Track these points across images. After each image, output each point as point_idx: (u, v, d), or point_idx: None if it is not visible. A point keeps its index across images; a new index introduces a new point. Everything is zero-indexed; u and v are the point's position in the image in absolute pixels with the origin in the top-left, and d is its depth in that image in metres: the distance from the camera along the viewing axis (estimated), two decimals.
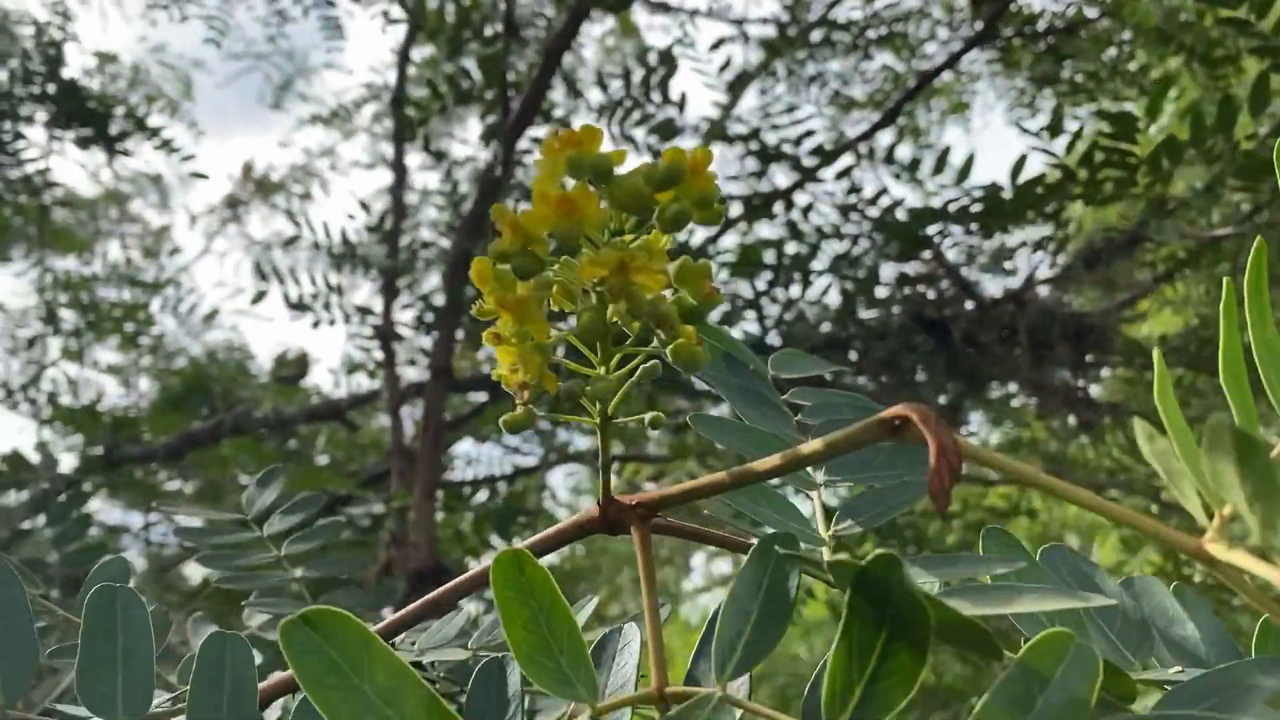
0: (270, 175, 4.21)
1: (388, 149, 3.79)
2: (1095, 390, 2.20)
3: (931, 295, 1.83)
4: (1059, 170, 1.53)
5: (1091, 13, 2.97)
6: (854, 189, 1.96)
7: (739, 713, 0.31)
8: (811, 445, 0.31)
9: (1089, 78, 3.10)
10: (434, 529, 1.72)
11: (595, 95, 2.09)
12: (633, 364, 0.35)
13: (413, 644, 0.49)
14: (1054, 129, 1.51)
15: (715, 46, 2.39)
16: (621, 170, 0.30)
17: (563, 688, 0.32)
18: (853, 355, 1.90)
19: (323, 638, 0.30)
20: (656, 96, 1.72)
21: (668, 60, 1.80)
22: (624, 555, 4.15)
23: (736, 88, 2.32)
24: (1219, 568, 0.24)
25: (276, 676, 0.43)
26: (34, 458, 1.58)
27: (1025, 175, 2.06)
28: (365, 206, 2.13)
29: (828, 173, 1.99)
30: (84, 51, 3.37)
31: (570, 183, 0.30)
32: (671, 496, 0.37)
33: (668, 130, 1.72)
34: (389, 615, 0.51)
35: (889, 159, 2.03)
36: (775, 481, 0.49)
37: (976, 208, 1.72)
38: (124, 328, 2.69)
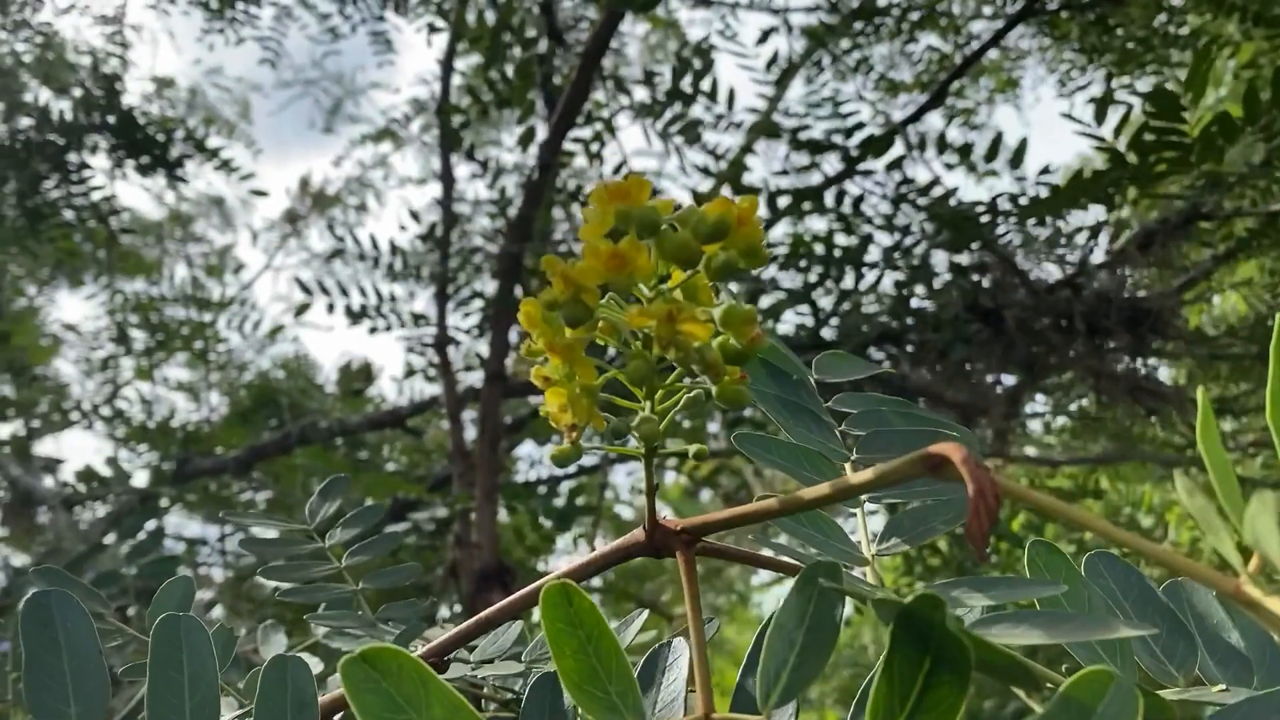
0: (326, 189, 4.29)
1: (438, 161, 3.85)
2: (1162, 373, 2.15)
3: (985, 284, 1.80)
4: (1109, 154, 1.50)
5: None
6: (906, 180, 1.94)
7: None
8: (860, 476, 0.31)
9: (1140, 44, 3.03)
10: (496, 529, 1.75)
11: (640, 93, 2.10)
12: (676, 398, 0.35)
13: (470, 655, 0.50)
14: (1104, 103, 1.47)
15: (762, 40, 2.38)
16: (668, 214, 0.31)
17: (612, 715, 0.33)
18: (908, 347, 1.89)
19: (381, 674, 0.31)
20: (693, 92, 1.72)
21: (702, 54, 1.80)
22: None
23: (783, 80, 2.31)
24: (1257, 610, 0.24)
25: (338, 691, 0.44)
26: (105, 472, 1.64)
27: (1074, 160, 2.04)
28: (415, 216, 2.16)
29: (878, 164, 1.97)
30: (141, 77, 3.48)
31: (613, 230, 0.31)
32: (717, 522, 0.38)
33: (691, 132, 1.72)
34: (439, 630, 0.52)
35: (941, 147, 2.00)
36: None
37: (1026, 200, 1.69)
38: (192, 345, 2.77)
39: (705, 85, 1.83)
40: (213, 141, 2.64)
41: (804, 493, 0.34)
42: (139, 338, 2.72)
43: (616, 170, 2.08)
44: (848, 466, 0.45)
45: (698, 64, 1.77)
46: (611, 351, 0.36)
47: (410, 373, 2.33)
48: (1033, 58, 3.50)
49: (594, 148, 1.99)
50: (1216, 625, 0.42)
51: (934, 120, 3.58)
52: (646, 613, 0.54)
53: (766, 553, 0.42)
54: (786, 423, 0.44)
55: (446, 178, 1.99)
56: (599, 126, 1.97)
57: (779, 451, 0.43)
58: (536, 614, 0.36)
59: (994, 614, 0.33)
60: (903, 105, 3.12)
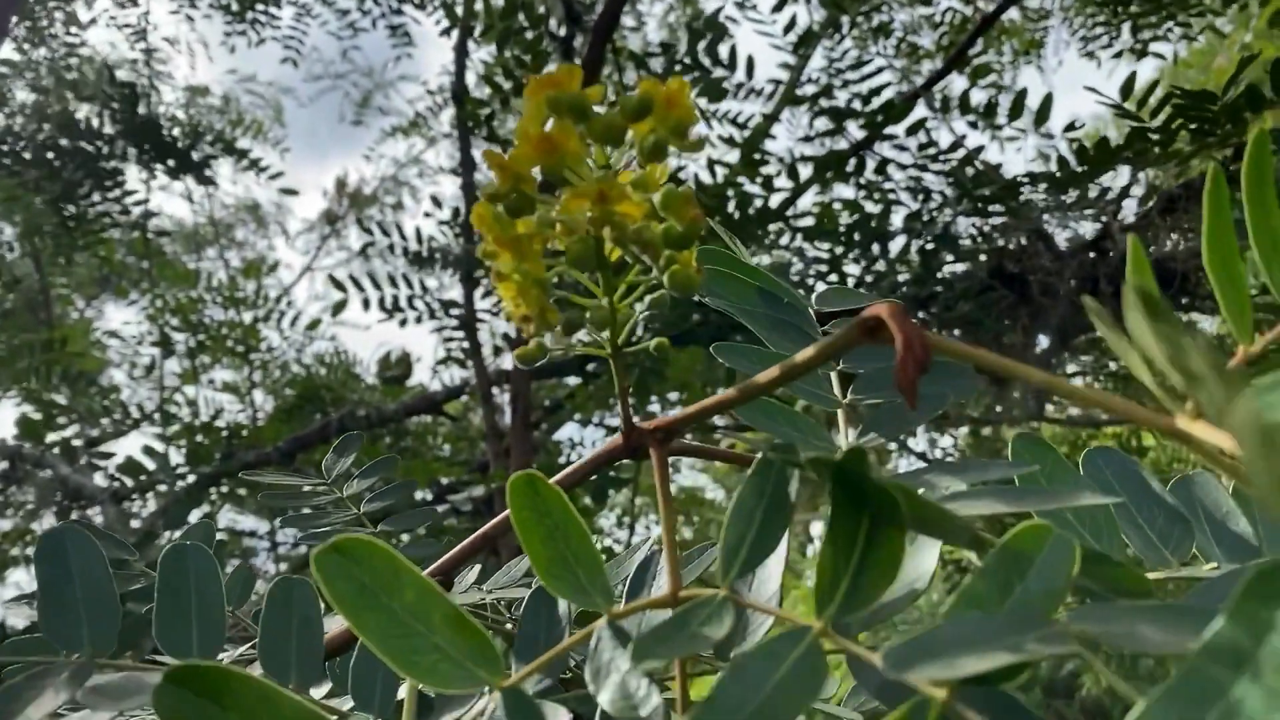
0: (363, 189, 4.36)
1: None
2: (1206, 326, 2.11)
3: (1011, 247, 1.78)
4: (1133, 122, 1.48)
5: None
6: (930, 143, 1.92)
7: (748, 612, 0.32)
8: (804, 352, 0.32)
9: None
10: None
11: (655, 65, 2.10)
12: (636, 294, 0.36)
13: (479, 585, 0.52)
14: (1129, 84, 1.45)
15: (778, 8, 2.37)
16: (597, 100, 0.32)
17: (581, 596, 0.34)
18: (934, 310, 1.88)
19: (353, 562, 0.32)
20: (708, 61, 1.72)
21: (714, 26, 1.80)
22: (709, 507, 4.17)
23: (802, 47, 2.29)
24: (1192, 443, 0.25)
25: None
26: (149, 464, 1.67)
27: (1099, 118, 2.02)
28: (438, 202, 2.19)
29: (900, 128, 1.96)
30: (176, 87, 3.55)
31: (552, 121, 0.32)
32: (687, 416, 0.39)
33: (715, 90, 1.72)
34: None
35: (964, 108, 1.98)
36: (802, 404, 0.50)
37: (1057, 169, 1.67)
38: (235, 347, 2.83)
39: (724, 54, 1.83)
40: (242, 144, 2.70)
41: (758, 377, 0.34)
42: (181, 340, 2.79)
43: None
44: (833, 376, 0.46)
45: (709, 35, 1.77)
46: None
47: (446, 359, 2.36)
48: (1055, 18, 3.45)
49: None
50: (1225, 515, 0.42)
51: (958, 84, 3.53)
52: (652, 538, 0.55)
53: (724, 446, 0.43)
54: (770, 336, 0.45)
55: (467, 162, 2.01)
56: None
57: (754, 357, 0.44)
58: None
59: (960, 492, 0.34)
60: (925, 71, 3.09)
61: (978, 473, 0.37)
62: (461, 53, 1.97)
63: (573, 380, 2.52)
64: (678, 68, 1.79)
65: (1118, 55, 3.20)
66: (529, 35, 1.83)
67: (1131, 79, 1.49)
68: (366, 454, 2.65)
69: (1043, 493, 0.34)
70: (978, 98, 2.13)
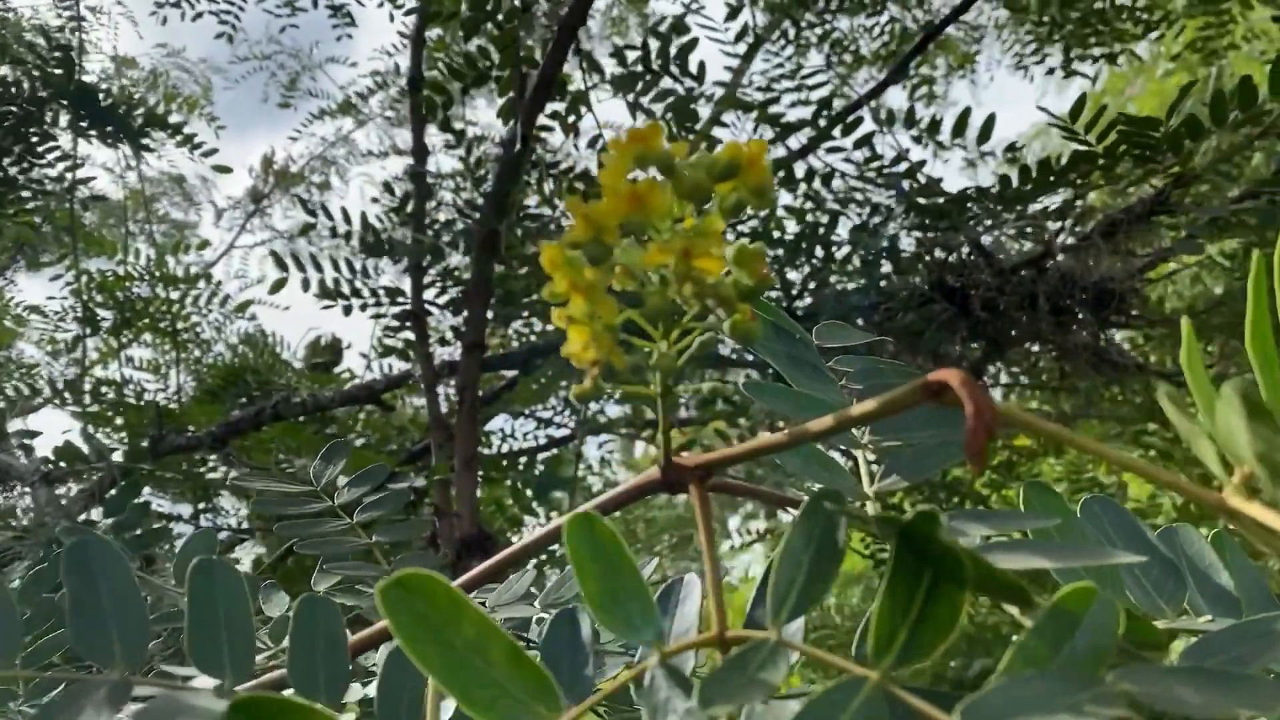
0: (290, 167, 4.26)
1: (401, 135, 3.84)
2: (1124, 347, 2.20)
3: (952, 261, 1.84)
4: (1076, 142, 1.54)
5: None
6: (874, 156, 1.97)
7: (794, 655, 0.34)
8: (863, 407, 0.34)
9: (1096, 17, 3.09)
10: (476, 499, 1.77)
11: (610, 66, 2.11)
12: (690, 338, 0.37)
13: (482, 603, 0.53)
14: (1079, 106, 1.51)
15: (731, 15, 2.39)
16: (682, 157, 0.33)
17: (632, 633, 0.35)
18: (875, 319, 1.93)
19: (416, 597, 0.33)
20: (675, 69, 1.74)
21: (681, 29, 1.81)
22: (661, 522, 4.20)
23: (748, 53, 2.31)
24: (1239, 519, 0.26)
25: (360, 634, 0.47)
26: (84, 448, 1.63)
27: (1030, 134, 2.09)
28: (390, 189, 2.16)
29: (847, 140, 2.00)
30: (103, 57, 3.43)
31: (636, 175, 0.33)
32: (730, 457, 0.40)
33: (683, 107, 1.74)
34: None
35: (909, 122, 2.03)
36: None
37: (999, 187, 1.73)
38: (158, 324, 2.75)
39: (676, 58, 1.85)
40: (174, 118, 2.61)
41: (810, 424, 0.36)
42: (106, 316, 2.70)
43: (592, 144, 2.09)
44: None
45: (679, 42, 1.78)
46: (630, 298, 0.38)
47: (387, 351, 2.33)
48: (989, 34, 3.54)
49: (570, 120, 2.00)
50: (1208, 568, 0.44)
51: (894, 96, 3.60)
52: (657, 560, 0.56)
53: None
54: (793, 374, 0.46)
55: (419, 150, 1.99)
56: (573, 99, 1.98)
57: (787, 399, 0.46)
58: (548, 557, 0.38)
59: (991, 542, 0.36)
60: (863, 81, 3.15)
61: (1001, 522, 0.39)
62: (419, 41, 1.95)
63: (510, 372, 2.52)
64: (645, 72, 1.80)
65: (1050, 72, 3.31)
66: (494, 30, 1.82)
67: (1081, 101, 1.55)
68: (291, 438, 2.63)
69: (1075, 549, 0.36)
70: (921, 112, 2.18)
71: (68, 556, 0.43)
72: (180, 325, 2.54)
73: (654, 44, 1.89)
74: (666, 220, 0.33)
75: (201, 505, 2.20)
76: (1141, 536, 0.46)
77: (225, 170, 2.91)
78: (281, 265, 2.06)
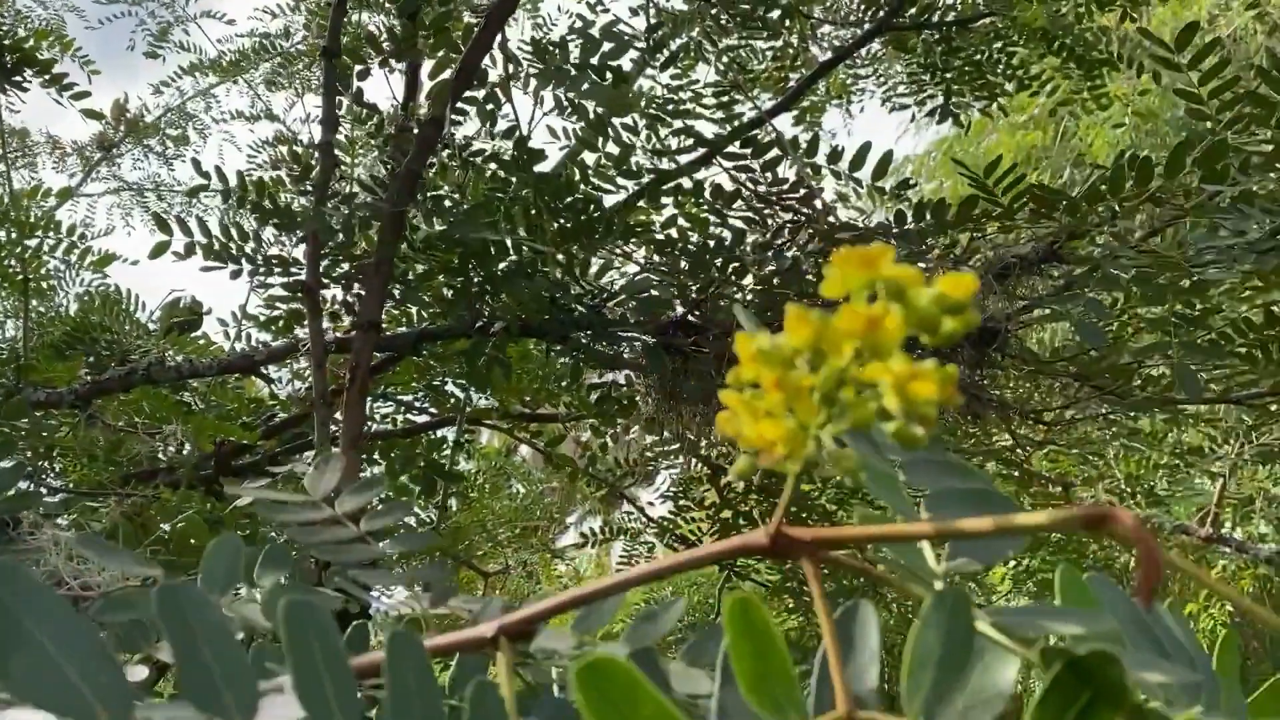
0: (143, 116, 4.01)
1: (274, 99, 3.69)
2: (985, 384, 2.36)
3: None
4: (984, 196, 1.65)
5: (983, 7, 3.13)
6: (778, 181, 2.04)
7: None
8: (1029, 518, 0.37)
9: (974, 67, 3.27)
10: (358, 479, 1.73)
11: (523, 58, 2.09)
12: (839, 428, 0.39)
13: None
14: (994, 166, 1.61)
15: (652, 30, 2.41)
16: (912, 283, 0.35)
17: (779, 712, 0.38)
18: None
19: (601, 678, 0.34)
20: (609, 75, 1.75)
21: (612, 37, 1.82)
22: (505, 514, 4.21)
23: (643, 58, 2.33)
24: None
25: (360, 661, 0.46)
26: None
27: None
28: (296, 158, 2.07)
29: (754, 162, 2.05)
30: None
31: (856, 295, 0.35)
32: (846, 537, 0.43)
33: (618, 102, 1.75)
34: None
35: (811, 150, 2.11)
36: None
37: (910, 224, 1.83)
38: (8, 271, 2.54)
39: (602, 69, 1.86)
40: (44, 56, 2.42)
41: (963, 523, 0.39)
42: None
43: (508, 135, 2.07)
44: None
45: (610, 47, 1.79)
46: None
47: (274, 320, 2.24)
48: (867, 68, 3.68)
49: (489, 107, 1.98)
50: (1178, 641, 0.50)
51: (780, 121, 3.69)
52: (683, 601, 0.58)
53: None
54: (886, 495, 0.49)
55: (330, 121, 1.92)
56: (491, 90, 1.96)
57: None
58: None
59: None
60: (753, 100, 3.22)
61: (1061, 621, 0.43)
62: (340, 10, 1.89)
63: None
64: (574, 73, 1.79)
65: (931, 114, 3.48)
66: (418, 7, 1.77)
67: (997, 161, 1.66)
68: (152, 403, 2.49)
69: (1154, 662, 0.41)
70: (819, 141, 2.26)
71: (161, 602, 0.42)
72: (31, 275, 2.36)
73: (576, 44, 1.90)
74: (897, 343, 0.35)
75: (284, 533, 2.02)
76: (1136, 614, 0.51)
77: (97, 116, 2.72)
78: (164, 228, 1.95)
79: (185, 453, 2.53)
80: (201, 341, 2.80)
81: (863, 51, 3.52)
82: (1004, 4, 3.01)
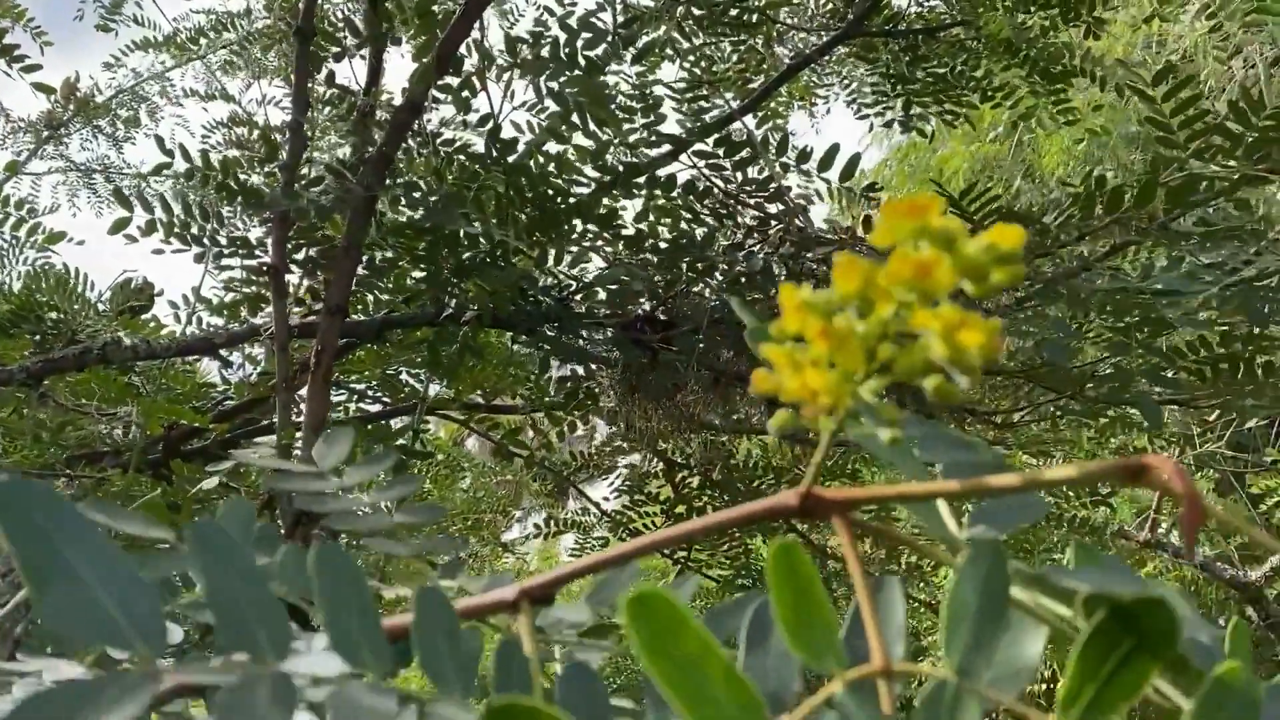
0: (95, 95, 3.91)
1: (230, 82, 3.62)
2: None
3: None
4: (956, 210, 1.68)
5: (949, 18, 3.17)
6: (750, 180, 2.05)
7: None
8: (1059, 471, 0.37)
9: (937, 79, 3.32)
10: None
11: (498, 49, 2.09)
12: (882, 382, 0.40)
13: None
14: (969, 192, 1.64)
15: (627, 25, 2.41)
16: (959, 233, 0.35)
17: (818, 658, 0.38)
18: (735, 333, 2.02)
19: (648, 610, 0.34)
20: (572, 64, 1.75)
21: (588, 26, 1.82)
22: (459, 504, 4.19)
23: (609, 51, 2.32)
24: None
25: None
26: None
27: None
28: (265, 138, 2.03)
29: (726, 161, 2.06)
30: None
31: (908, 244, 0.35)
32: (875, 497, 0.43)
33: (597, 94, 1.75)
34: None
35: (781, 149, 2.13)
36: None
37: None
38: None
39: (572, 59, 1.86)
40: None
41: (992, 479, 0.39)
42: None
43: (483, 122, 2.06)
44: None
45: (585, 36, 1.79)
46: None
47: (228, 305, 2.20)
48: (832, 74, 3.72)
49: (464, 95, 1.96)
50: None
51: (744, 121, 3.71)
52: (697, 577, 0.58)
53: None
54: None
55: (300, 102, 1.89)
56: (466, 78, 1.94)
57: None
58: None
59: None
60: (714, 100, 3.23)
61: (1098, 579, 0.44)
62: None
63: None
64: (553, 63, 1.79)
65: (888, 125, 3.53)
66: None
67: (973, 186, 1.69)
68: (101, 383, 2.44)
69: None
70: (789, 141, 2.28)
71: (194, 542, 0.41)
72: None
73: (549, 36, 1.90)
74: (946, 290, 0.35)
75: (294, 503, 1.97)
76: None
77: (48, 90, 2.64)
78: (125, 204, 1.90)
79: (132, 436, 2.47)
80: (152, 324, 2.74)
81: (828, 57, 3.55)
82: (970, 14, 3.06)
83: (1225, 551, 3.66)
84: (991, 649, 0.39)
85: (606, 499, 3.35)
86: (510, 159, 1.97)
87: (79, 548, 0.35)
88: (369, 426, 2.26)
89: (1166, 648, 0.33)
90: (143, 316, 2.96)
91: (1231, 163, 1.48)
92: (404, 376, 2.90)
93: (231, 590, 0.39)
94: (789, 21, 3.50)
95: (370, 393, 3.03)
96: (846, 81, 3.70)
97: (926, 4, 3.33)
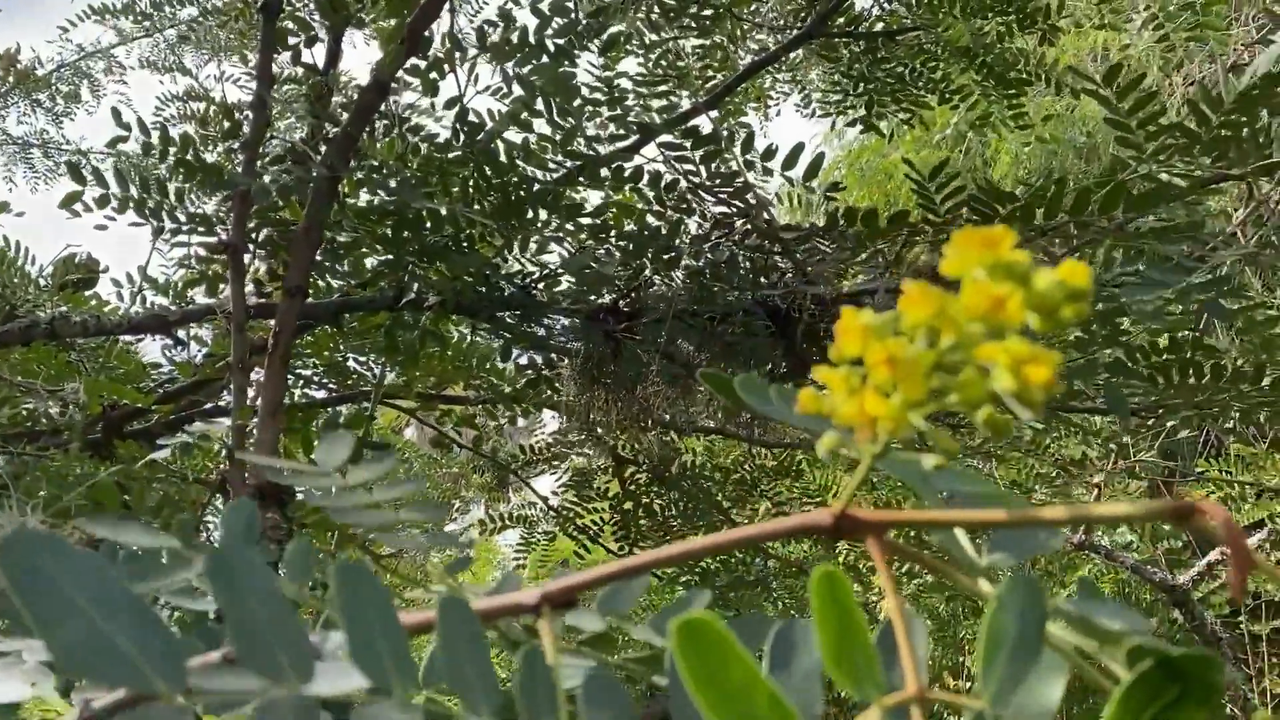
0: (35, 69, 3.78)
1: (185, 55, 3.52)
2: None
3: (779, 285, 1.95)
4: (925, 203, 1.68)
5: (910, 21, 3.21)
6: (716, 174, 2.04)
7: None
8: (1109, 507, 0.38)
9: (897, 80, 3.35)
10: (277, 448, 1.68)
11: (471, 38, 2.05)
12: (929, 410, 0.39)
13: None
14: (938, 167, 1.65)
15: (595, 13, 2.39)
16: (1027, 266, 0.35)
17: (858, 685, 0.38)
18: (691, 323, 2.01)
19: (694, 638, 0.34)
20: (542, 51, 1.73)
21: (560, 11, 1.80)
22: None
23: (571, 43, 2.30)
24: None
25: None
26: None
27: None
28: (232, 113, 1.97)
29: (694, 153, 2.06)
30: None
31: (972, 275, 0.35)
32: (916, 520, 0.43)
33: (564, 83, 1.73)
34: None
35: (747, 147, 2.13)
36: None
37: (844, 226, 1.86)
38: None
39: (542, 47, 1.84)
40: None
41: (1042, 511, 0.40)
42: None
43: (450, 105, 2.02)
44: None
45: (558, 23, 1.77)
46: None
47: (190, 281, 2.14)
48: (785, 74, 3.73)
49: (432, 77, 1.93)
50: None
51: (701, 119, 3.70)
52: (709, 593, 0.58)
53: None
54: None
55: (264, 76, 1.85)
56: (434, 60, 1.91)
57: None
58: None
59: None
60: (679, 94, 3.22)
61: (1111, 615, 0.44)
62: None
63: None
64: (525, 49, 1.76)
65: (851, 124, 3.55)
66: None
67: (942, 164, 1.70)
68: (43, 360, 2.36)
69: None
70: (754, 137, 2.28)
71: (213, 568, 0.40)
72: None
73: (531, 20, 1.87)
74: (1018, 326, 0.35)
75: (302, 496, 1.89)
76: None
77: None
78: (79, 179, 1.84)
79: (70, 415, 2.40)
80: (94, 301, 2.66)
81: (783, 60, 3.55)
82: (929, 19, 3.09)
83: (1153, 556, 3.77)
84: (1025, 681, 0.39)
85: (555, 493, 3.33)
86: (475, 144, 1.94)
87: (86, 587, 0.34)
88: (312, 413, 2.22)
89: (1212, 701, 0.34)
90: (86, 293, 2.88)
91: (1189, 160, 1.51)
92: (351, 363, 2.85)
93: (250, 617, 0.38)
94: (753, 19, 3.50)
95: (316, 379, 2.97)
96: (800, 85, 3.72)
97: (888, 6, 3.35)
